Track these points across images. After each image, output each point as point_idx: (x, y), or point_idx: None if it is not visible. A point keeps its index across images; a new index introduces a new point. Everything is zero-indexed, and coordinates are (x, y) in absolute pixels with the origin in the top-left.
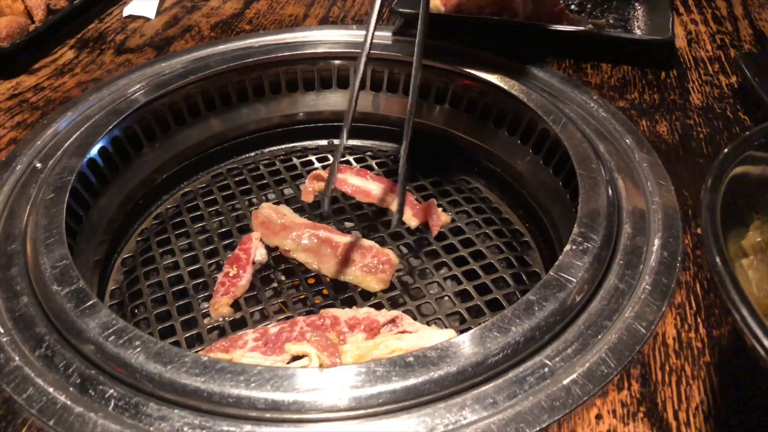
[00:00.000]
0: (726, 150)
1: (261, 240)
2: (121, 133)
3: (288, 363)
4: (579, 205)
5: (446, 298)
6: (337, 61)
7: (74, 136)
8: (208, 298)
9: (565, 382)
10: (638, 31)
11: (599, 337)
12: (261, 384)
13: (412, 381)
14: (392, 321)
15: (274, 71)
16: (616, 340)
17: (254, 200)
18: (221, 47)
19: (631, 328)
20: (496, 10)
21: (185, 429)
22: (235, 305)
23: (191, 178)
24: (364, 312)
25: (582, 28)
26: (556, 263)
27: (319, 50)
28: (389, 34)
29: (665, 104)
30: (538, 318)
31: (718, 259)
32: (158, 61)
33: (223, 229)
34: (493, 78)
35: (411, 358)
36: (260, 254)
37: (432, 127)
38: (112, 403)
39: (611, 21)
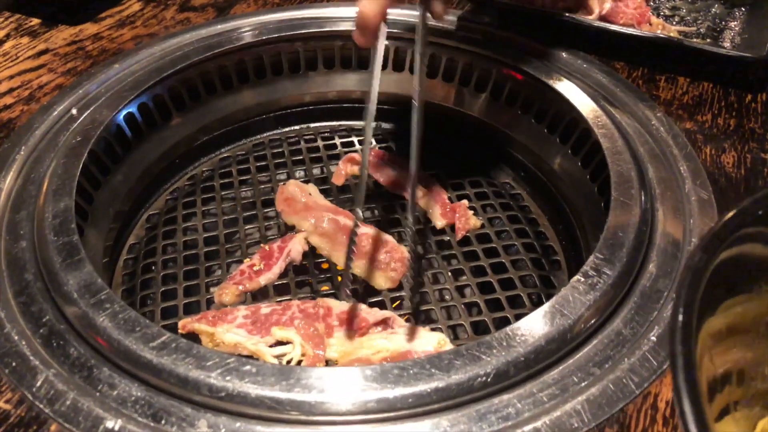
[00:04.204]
0: (721, 223)
1: (305, 240)
2: (163, 91)
3: (270, 346)
4: (603, 233)
5: (454, 307)
6: (389, 41)
7: (114, 89)
8: (215, 267)
9: (526, 428)
10: (728, 45)
11: (582, 385)
12: (211, 370)
13: (362, 398)
14: (383, 322)
15: (329, 45)
16: (598, 392)
17: (286, 174)
18: (281, 15)
19: (620, 382)
20: (572, 4)
21: (128, 399)
22: None
23: (232, 143)
24: (356, 308)
25: (661, 35)
26: (557, 295)
27: None
28: (454, 18)
29: (740, 132)
30: (517, 353)
31: (680, 347)
32: (216, 22)
33: (248, 201)
34: (552, 80)
35: (369, 372)
36: (295, 254)
37: (479, 120)
38: (70, 361)
39: (702, 30)
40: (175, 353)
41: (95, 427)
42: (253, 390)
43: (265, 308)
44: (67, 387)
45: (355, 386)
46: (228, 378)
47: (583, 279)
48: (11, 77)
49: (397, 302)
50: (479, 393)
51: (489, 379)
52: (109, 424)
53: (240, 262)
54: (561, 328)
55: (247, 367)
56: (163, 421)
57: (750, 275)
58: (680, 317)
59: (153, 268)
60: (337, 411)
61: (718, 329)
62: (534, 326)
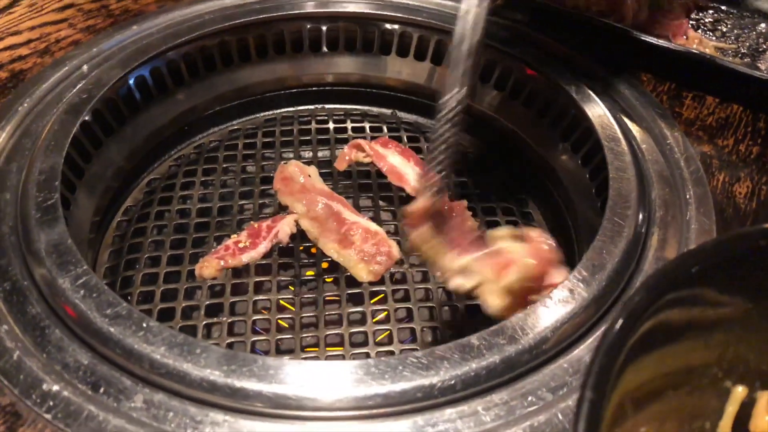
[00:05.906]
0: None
1: (295, 222)
2: (178, 57)
3: None
4: (588, 252)
5: (434, 308)
6: (412, 28)
7: (127, 51)
8: (204, 239)
9: None
10: (765, 67)
11: (530, 409)
12: (158, 345)
13: (299, 393)
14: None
15: (351, 27)
16: (544, 419)
17: (292, 153)
18: None
19: (570, 412)
20: (606, 9)
21: (72, 364)
22: None
23: (243, 117)
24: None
25: (695, 50)
26: (523, 312)
27: (398, 14)
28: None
29: (761, 161)
30: (468, 367)
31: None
32: None
33: (249, 176)
34: (571, 86)
35: (314, 367)
36: (282, 235)
37: (492, 118)
38: (25, 319)
39: (743, 49)
40: (126, 323)
41: (33, 389)
42: (193, 370)
43: None
44: (14, 344)
45: (295, 380)
46: (171, 355)
47: (557, 299)
48: (32, 28)
49: (378, 297)
50: (421, 404)
51: (433, 391)
52: (46, 386)
53: (229, 236)
54: (519, 347)
55: (194, 347)
56: (101, 390)
57: (695, 325)
58: (599, 360)
59: (144, 232)
60: (271, 403)
61: (649, 378)
62: (491, 342)
